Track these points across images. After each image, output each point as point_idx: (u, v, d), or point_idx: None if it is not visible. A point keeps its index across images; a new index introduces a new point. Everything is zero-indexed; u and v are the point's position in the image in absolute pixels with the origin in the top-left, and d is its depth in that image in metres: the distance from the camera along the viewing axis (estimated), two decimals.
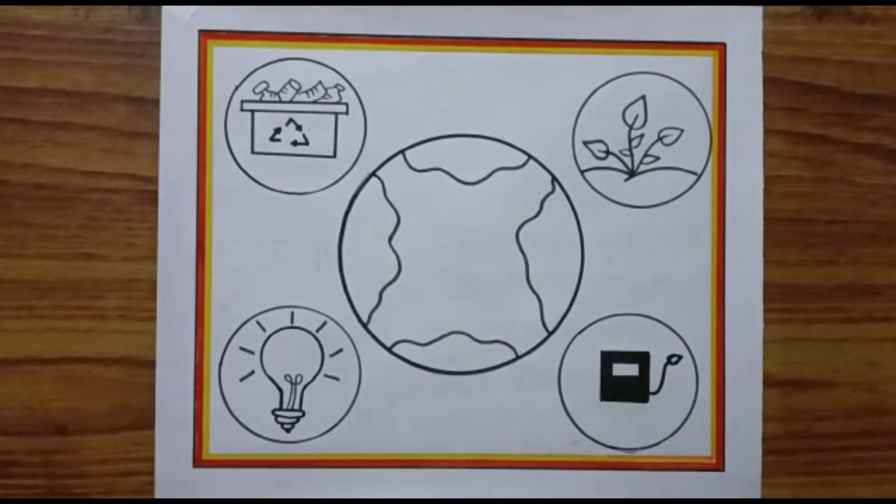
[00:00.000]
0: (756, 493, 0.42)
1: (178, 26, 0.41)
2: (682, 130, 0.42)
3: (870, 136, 0.42)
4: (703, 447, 0.42)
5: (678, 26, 0.42)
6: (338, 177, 0.42)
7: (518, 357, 0.42)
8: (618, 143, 0.42)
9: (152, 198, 0.41)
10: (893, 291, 0.42)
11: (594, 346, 0.42)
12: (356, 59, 0.42)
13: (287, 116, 0.42)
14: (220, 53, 0.41)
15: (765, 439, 0.42)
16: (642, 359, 0.42)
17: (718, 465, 0.42)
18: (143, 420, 0.41)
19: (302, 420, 0.41)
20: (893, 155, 0.42)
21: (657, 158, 0.42)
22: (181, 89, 0.41)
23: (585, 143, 0.42)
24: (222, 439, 0.41)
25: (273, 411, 0.41)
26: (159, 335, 0.41)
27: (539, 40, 0.42)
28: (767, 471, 0.42)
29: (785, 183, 0.42)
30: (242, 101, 0.41)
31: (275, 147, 0.42)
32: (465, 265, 0.42)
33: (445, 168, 0.42)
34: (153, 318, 0.41)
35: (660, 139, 0.42)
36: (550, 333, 0.42)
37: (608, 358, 0.42)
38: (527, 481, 0.42)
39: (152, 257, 0.41)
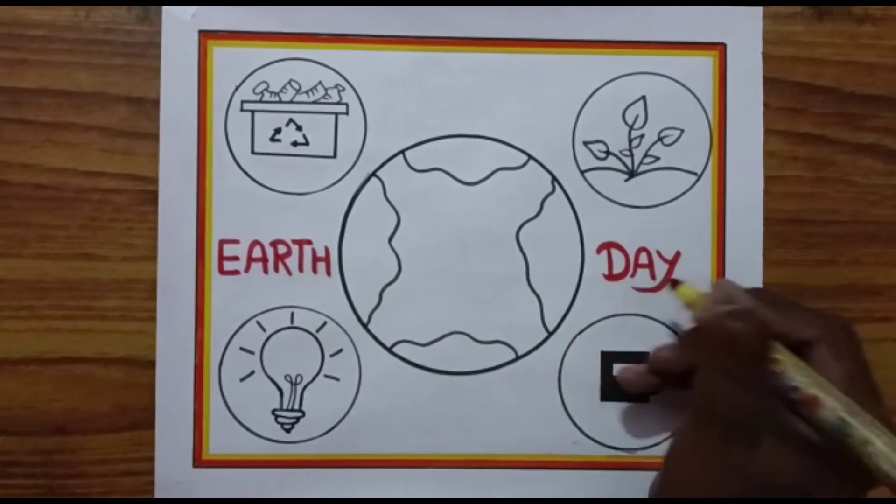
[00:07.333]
0: None
1: (178, 26, 0.41)
2: (682, 130, 0.42)
3: (870, 136, 0.42)
4: None
5: (678, 26, 0.42)
6: (338, 177, 0.42)
7: (518, 357, 0.42)
8: (618, 143, 0.42)
9: (152, 198, 0.41)
10: (893, 291, 0.42)
11: (594, 346, 0.42)
12: (356, 59, 0.42)
13: (287, 117, 0.41)
14: (220, 53, 0.41)
15: None
16: (642, 359, 0.42)
17: None
18: (143, 420, 0.41)
19: (302, 420, 0.41)
20: (893, 155, 0.42)
21: (657, 158, 0.42)
22: (181, 89, 0.41)
23: (585, 144, 0.42)
24: (222, 439, 0.41)
25: (273, 411, 0.41)
26: (159, 335, 0.41)
27: (539, 40, 0.42)
28: None
29: (785, 183, 0.42)
30: (242, 102, 0.41)
31: (275, 147, 0.41)
32: (465, 265, 0.42)
33: (445, 168, 0.42)
34: (153, 318, 0.41)
35: (660, 139, 0.42)
36: (550, 333, 0.42)
37: (608, 358, 0.42)
38: (527, 481, 0.41)
39: (152, 257, 0.41)
